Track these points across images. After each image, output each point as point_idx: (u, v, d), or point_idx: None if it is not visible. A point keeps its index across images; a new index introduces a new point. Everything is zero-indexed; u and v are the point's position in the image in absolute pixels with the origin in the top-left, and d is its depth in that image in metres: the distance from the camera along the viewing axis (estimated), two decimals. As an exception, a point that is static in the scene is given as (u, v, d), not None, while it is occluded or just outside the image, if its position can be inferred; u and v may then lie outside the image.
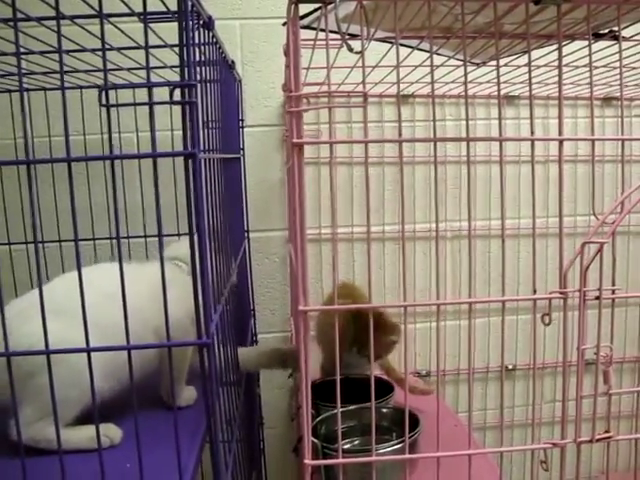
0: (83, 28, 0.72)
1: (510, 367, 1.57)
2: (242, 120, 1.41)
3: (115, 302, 0.57)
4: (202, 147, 0.61)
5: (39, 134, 1.26)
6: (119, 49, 0.74)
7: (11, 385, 0.56)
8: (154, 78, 0.59)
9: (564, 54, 0.67)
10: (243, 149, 1.41)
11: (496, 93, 1.44)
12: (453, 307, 1.51)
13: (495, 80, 1.26)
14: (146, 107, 0.55)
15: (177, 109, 0.57)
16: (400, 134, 0.70)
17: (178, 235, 1.14)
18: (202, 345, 0.58)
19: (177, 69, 0.57)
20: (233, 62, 1.19)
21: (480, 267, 1.54)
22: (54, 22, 0.55)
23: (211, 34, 0.81)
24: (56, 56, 0.85)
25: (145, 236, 1.31)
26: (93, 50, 0.71)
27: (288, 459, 1.57)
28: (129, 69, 0.98)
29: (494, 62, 1.07)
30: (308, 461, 0.72)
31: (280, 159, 1.48)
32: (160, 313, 0.57)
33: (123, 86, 0.57)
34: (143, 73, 1.02)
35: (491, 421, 1.59)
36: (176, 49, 0.56)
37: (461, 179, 1.50)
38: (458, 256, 1.53)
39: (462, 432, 1.15)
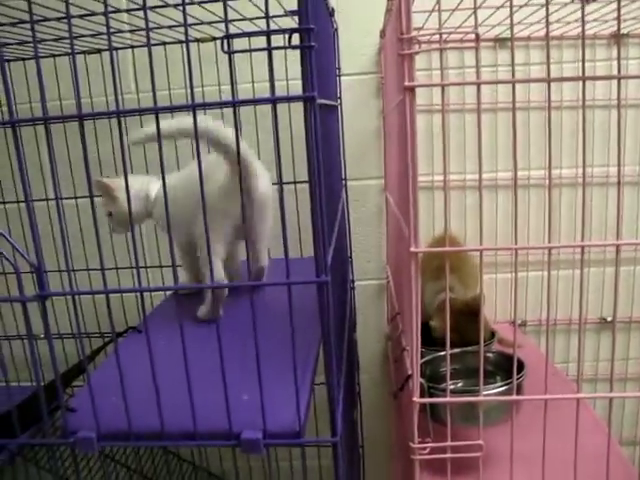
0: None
1: (609, 319, 1.53)
2: (339, 69, 1.41)
3: None
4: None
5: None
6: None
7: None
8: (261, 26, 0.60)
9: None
10: (340, 98, 1.42)
11: (603, 32, 1.36)
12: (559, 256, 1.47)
13: (604, 18, 1.20)
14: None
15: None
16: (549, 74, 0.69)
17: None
18: (320, 283, 0.61)
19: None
20: (333, 9, 1.19)
21: (597, 217, 1.47)
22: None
23: (317, -20, 0.81)
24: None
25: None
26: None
27: (382, 402, 1.61)
28: (248, 19, 1.00)
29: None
30: (417, 399, 0.75)
31: (376, 107, 1.47)
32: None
33: (244, 34, 0.59)
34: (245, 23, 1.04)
35: (588, 373, 1.56)
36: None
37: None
38: (573, 204, 1.48)
39: (560, 381, 1.14)
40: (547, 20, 0.70)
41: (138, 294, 0.64)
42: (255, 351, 0.64)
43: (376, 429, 1.62)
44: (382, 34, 1.34)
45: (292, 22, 0.63)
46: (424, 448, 0.76)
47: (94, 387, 0.70)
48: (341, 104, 1.43)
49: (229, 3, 0.60)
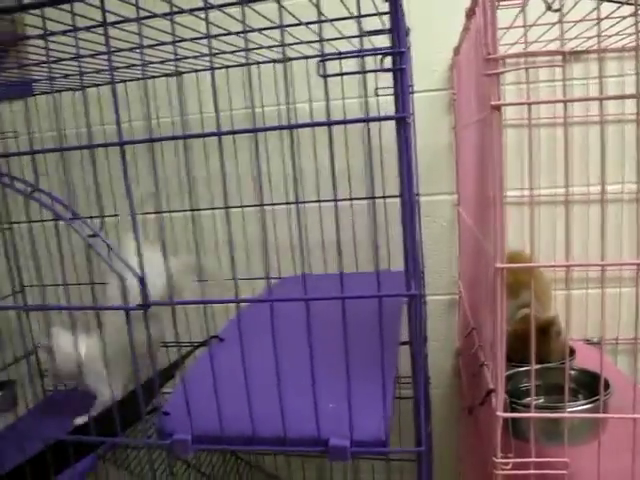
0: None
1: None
2: (412, 85, 1.43)
3: None
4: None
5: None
6: (332, 20, 0.78)
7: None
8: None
9: None
10: (413, 114, 1.44)
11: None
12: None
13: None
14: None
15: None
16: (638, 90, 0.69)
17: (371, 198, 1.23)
18: (411, 296, 0.63)
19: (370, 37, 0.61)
20: (409, 29, 1.22)
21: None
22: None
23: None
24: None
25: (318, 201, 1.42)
26: (308, 23, 0.76)
27: (451, 417, 1.61)
28: (336, 39, 1.03)
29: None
30: (500, 413, 0.75)
31: (447, 123, 1.48)
32: None
33: (339, 56, 0.62)
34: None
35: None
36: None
37: None
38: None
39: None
40: (638, 31, 0.70)
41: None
42: (335, 361, 0.66)
43: (443, 443, 1.61)
44: (456, 51, 1.35)
45: (369, 42, 0.66)
46: (507, 463, 0.76)
47: (180, 393, 0.74)
48: (413, 120, 1.44)
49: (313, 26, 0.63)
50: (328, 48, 1.12)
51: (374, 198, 0.62)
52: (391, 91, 1.35)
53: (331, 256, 1.47)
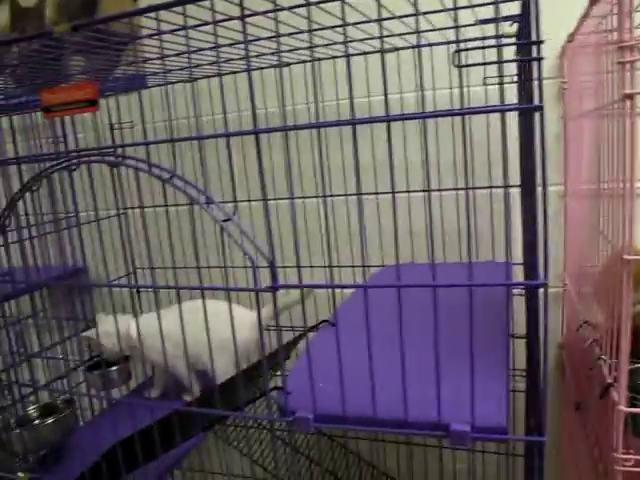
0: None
1: None
2: (519, 74, 1.40)
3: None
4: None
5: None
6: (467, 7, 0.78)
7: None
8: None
9: None
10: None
11: None
12: None
13: None
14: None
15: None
16: None
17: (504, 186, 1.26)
18: (538, 286, 0.63)
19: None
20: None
21: None
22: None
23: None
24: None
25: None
26: (446, 10, 0.77)
27: (553, 411, 1.57)
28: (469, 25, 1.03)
29: None
30: (623, 407, 0.74)
31: (555, 112, 1.45)
32: None
33: (476, 47, 0.62)
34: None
35: None
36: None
37: None
38: None
39: None
40: None
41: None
42: (450, 348, 0.67)
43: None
44: (570, 38, 1.31)
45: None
46: (628, 459, 0.75)
47: (298, 374, 0.77)
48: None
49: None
50: (435, 37, 1.12)
51: (499, 187, 0.62)
52: (497, 80, 1.33)
53: (452, 244, 1.47)
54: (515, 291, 1.36)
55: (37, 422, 1.24)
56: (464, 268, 1.08)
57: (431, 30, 0.97)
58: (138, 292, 1.67)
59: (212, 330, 0.84)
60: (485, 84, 1.31)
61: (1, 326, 0.94)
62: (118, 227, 1.68)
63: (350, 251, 1.53)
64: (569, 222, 1.41)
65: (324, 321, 1.05)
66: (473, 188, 1.37)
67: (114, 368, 1.48)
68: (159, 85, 1.55)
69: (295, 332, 1.41)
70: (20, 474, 0.98)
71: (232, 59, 1.25)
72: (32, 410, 1.28)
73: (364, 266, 0.63)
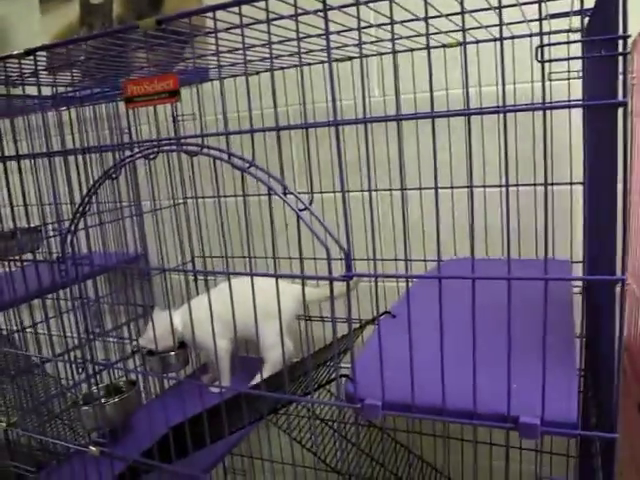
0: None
1: None
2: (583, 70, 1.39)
3: None
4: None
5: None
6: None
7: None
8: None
9: None
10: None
11: None
12: None
13: None
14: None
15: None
16: None
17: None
18: (616, 282, 0.63)
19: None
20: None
21: None
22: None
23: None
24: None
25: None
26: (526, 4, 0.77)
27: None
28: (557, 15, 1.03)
29: None
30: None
31: (620, 109, 1.42)
32: None
33: (567, 42, 0.63)
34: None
35: None
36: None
37: None
38: None
39: None
40: None
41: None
42: (514, 342, 0.67)
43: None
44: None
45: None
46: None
47: (364, 363, 0.78)
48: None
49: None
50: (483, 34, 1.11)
51: (547, 184, 0.62)
52: (563, 76, 1.31)
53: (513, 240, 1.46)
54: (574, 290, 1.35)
55: (104, 400, 1.30)
56: (525, 265, 1.08)
57: (512, 23, 0.97)
58: (203, 279, 1.72)
59: (258, 302, 0.89)
60: (550, 79, 1.30)
61: (78, 306, 0.99)
62: (186, 216, 1.73)
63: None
64: (633, 220, 1.39)
65: (385, 312, 1.06)
66: (552, 184, 1.36)
67: (172, 353, 1.53)
68: (223, 78, 1.58)
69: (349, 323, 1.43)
70: (92, 447, 1.02)
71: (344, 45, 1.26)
72: (97, 389, 1.34)
73: (438, 260, 0.65)
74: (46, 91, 1.56)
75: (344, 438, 1.59)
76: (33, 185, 1.05)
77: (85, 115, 1.78)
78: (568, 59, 0.62)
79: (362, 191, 1.54)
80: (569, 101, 1.31)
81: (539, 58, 0.62)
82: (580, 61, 1.07)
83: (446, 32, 1.16)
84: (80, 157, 1.05)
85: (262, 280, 0.81)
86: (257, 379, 1.38)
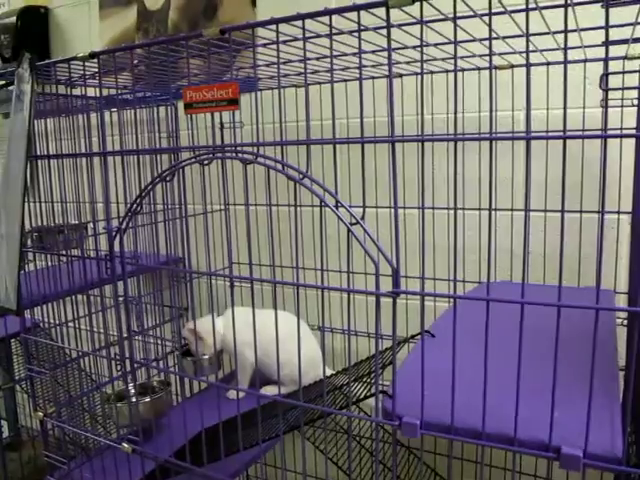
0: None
1: None
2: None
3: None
4: None
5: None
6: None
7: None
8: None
9: None
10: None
11: None
12: None
13: None
14: None
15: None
16: None
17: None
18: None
19: None
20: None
21: None
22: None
23: None
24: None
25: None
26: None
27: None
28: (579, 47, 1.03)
29: None
30: None
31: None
32: None
33: (624, 71, 0.62)
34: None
35: None
36: None
37: None
38: None
39: None
40: None
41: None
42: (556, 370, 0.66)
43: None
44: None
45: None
46: None
47: (403, 380, 0.78)
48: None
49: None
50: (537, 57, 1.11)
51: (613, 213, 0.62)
52: (617, 102, 1.30)
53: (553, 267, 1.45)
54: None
55: (139, 398, 1.32)
56: (567, 293, 1.07)
57: (574, 47, 0.97)
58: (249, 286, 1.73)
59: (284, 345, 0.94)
60: (602, 106, 1.28)
61: (120, 303, 1.01)
62: (234, 222, 1.75)
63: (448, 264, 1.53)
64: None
65: (425, 331, 1.06)
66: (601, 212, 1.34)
67: (206, 356, 1.54)
68: (270, 88, 1.60)
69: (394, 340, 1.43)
70: (124, 444, 1.04)
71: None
72: (133, 387, 1.36)
73: (487, 283, 0.65)
74: (90, 92, 1.60)
75: (370, 454, 1.58)
76: (88, 183, 1.07)
77: (142, 117, 1.82)
78: (632, 88, 0.62)
79: (411, 208, 1.54)
80: (621, 129, 1.29)
81: (603, 86, 0.62)
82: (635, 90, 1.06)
83: (510, 53, 1.15)
84: (134, 158, 1.08)
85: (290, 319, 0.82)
86: (273, 391, 1.39)
